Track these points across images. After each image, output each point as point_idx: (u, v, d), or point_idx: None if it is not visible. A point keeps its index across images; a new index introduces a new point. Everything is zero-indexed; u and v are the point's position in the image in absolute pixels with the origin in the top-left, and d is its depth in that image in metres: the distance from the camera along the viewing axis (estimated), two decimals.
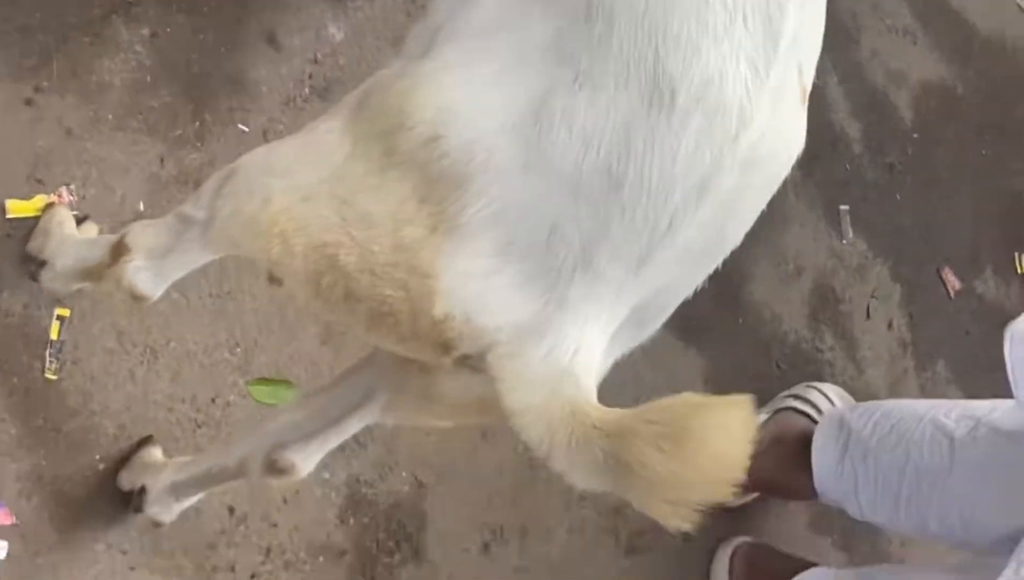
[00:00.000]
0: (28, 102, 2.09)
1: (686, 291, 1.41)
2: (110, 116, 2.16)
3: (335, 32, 2.41)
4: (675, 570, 2.62)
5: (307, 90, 2.36)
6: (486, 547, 2.39)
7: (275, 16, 2.34)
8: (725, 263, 1.44)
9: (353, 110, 1.36)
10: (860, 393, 2.89)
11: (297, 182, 1.33)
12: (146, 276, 1.68)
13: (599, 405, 1.28)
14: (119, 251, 1.70)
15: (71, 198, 2.10)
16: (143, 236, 1.70)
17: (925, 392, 3.10)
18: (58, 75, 2.12)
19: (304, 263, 1.32)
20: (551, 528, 2.47)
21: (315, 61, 2.38)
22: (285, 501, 2.18)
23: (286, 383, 2.22)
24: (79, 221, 2.05)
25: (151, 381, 2.10)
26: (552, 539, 2.47)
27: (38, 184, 2.08)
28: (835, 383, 2.83)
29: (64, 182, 2.10)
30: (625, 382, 2.54)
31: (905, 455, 2.27)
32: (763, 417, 2.60)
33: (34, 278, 1.96)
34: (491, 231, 1.25)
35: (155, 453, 2.01)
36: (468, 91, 1.27)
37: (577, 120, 1.24)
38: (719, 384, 2.75)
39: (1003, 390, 2.23)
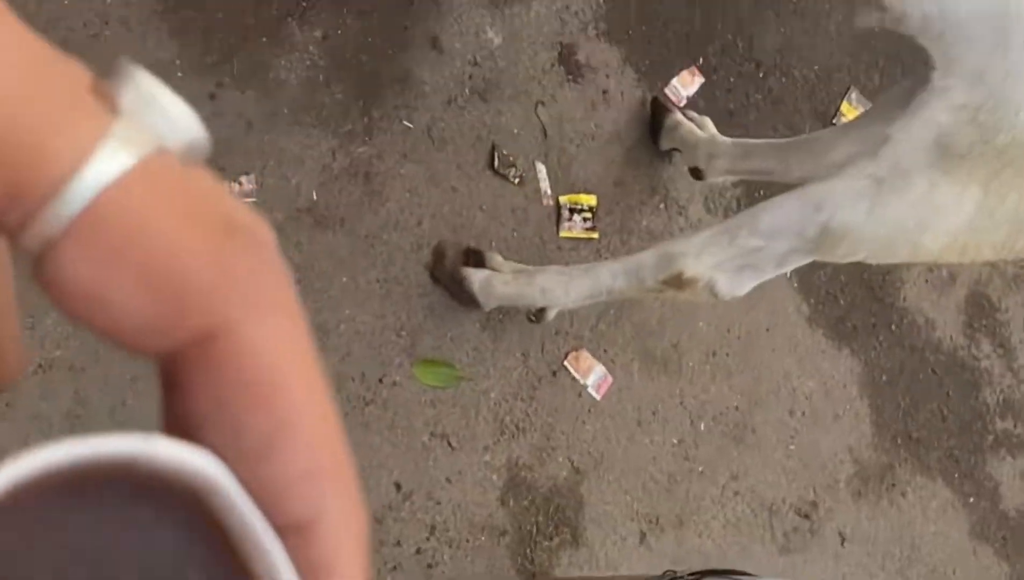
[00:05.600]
0: (212, 96, 2.22)
1: None
2: (286, 110, 2.28)
3: (493, 37, 2.51)
4: (831, 568, 2.62)
5: (467, 91, 2.46)
6: (643, 536, 2.43)
7: (438, 21, 2.44)
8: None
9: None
10: (1020, 403, 2.88)
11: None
12: (724, 282, 1.94)
13: None
14: (682, 284, 1.96)
15: (251, 186, 2.22)
16: (701, 266, 1.93)
17: None
18: (238, 72, 2.25)
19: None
20: (707, 521, 2.50)
21: (475, 63, 2.47)
22: (449, 480, 2.24)
23: (449, 365, 2.30)
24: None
25: (322, 360, 2.19)
26: (708, 531, 2.50)
27: (220, 171, 2.20)
28: (993, 391, 2.82)
29: (245, 171, 2.22)
30: (778, 387, 2.61)
31: None
32: None
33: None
34: None
35: None
36: None
37: None
38: (874, 387, 2.76)
39: None
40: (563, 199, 2.51)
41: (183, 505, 0.30)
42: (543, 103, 2.54)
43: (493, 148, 2.46)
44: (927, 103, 1.79)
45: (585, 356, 2.44)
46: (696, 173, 2.52)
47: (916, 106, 1.81)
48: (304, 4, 2.33)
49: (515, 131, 2.50)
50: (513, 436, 2.32)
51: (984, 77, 1.71)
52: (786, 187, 2.41)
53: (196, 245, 0.32)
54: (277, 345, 0.33)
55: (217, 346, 0.32)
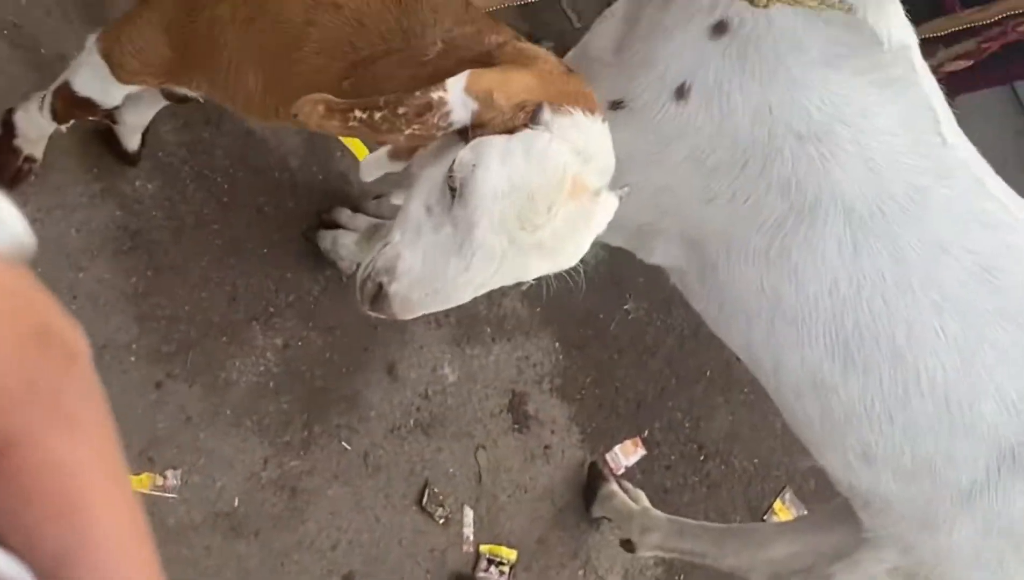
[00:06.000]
0: (158, 385, 2.23)
1: None
2: (229, 412, 2.29)
3: (449, 373, 2.55)
4: None
5: (412, 422, 2.48)
6: None
7: (399, 349, 2.48)
8: None
9: None
10: None
11: None
12: None
13: None
14: None
15: (175, 482, 2.20)
16: None
17: None
18: (191, 366, 2.26)
19: None
20: None
21: (425, 396, 2.50)
22: None
23: None
24: None
25: None
26: None
27: (148, 462, 2.19)
28: None
29: (173, 465, 2.21)
30: None
31: None
32: None
33: None
34: None
35: None
36: None
37: None
38: None
39: None
40: (484, 548, 2.49)
41: None
42: (484, 447, 2.55)
43: (425, 484, 2.46)
44: (864, 559, 1.82)
45: None
46: (628, 546, 2.52)
47: (857, 558, 1.84)
48: (272, 310, 2.37)
49: (450, 470, 2.51)
50: None
51: (914, 551, 1.74)
52: (715, 572, 2.42)
53: (4, 351, 0.31)
54: (78, 459, 0.32)
55: (15, 455, 0.31)
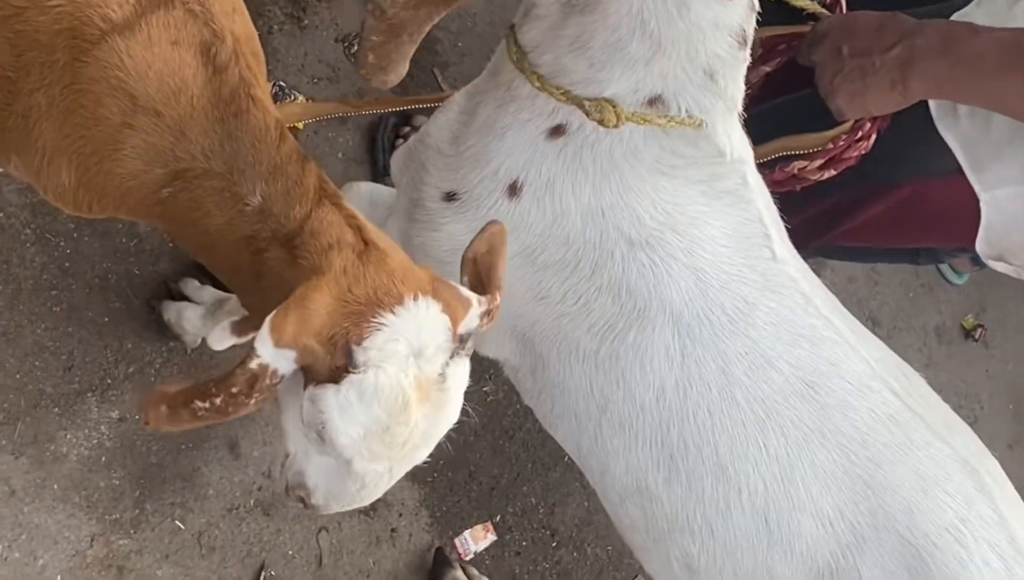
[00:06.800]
0: None
1: None
2: (56, 486, 2.20)
3: None
4: None
5: (252, 502, 2.41)
6: None
7: (243, 426, 2.42)
8: None
9: None
10: None
11: None
12: None
13: None
14: None
15: None
16: None
17: None
18: (19, 437, 2.18)
19: None
20: None
21: (268, 475, 2.43)
22: None
23: None
24: None
25: None
26: None
27: None
28: None
29: None
30: None
31: None
32: None
33: None
34: None
35: None
36: None
37: None
38: None
39: None
40: None
41: None
42: (327, 530, 2.49)
43: (262, 567, 2.39)
44: None
45: None
46: None
47: None
48: (109, 381, 2.29)
49: (290, 552, 2.44)
50: None
51: None
52: None
53: None
54: None
55: None
